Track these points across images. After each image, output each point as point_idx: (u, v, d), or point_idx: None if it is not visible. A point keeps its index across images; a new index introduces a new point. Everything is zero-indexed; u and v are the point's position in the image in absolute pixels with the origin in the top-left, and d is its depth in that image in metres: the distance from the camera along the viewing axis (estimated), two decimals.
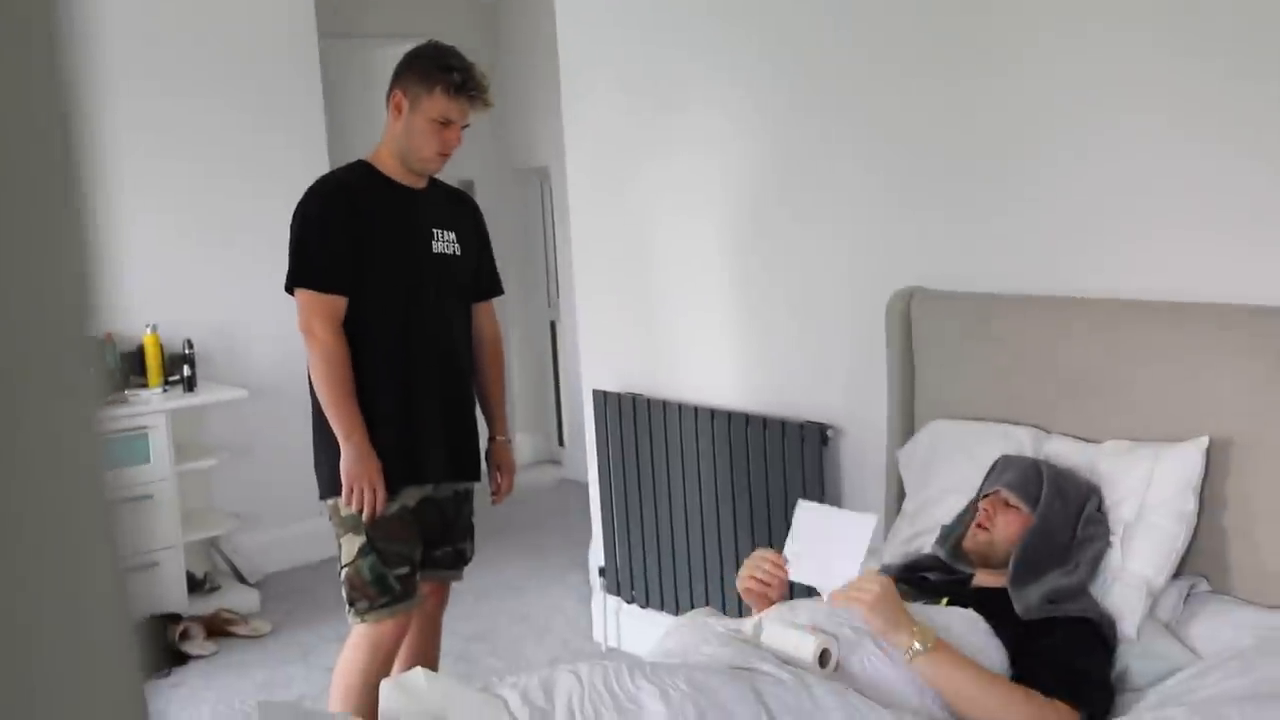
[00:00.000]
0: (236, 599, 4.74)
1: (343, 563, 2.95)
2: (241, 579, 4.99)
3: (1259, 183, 2.51)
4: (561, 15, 4.08)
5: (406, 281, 2.93)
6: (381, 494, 2.86)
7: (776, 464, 3.46)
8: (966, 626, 2.26)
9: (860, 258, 3.31)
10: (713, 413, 3.68)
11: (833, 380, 3.43)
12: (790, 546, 2.42)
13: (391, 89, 2.94)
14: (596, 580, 4.26)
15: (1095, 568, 2.40)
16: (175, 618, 4.42)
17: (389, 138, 2.96)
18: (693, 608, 3.59)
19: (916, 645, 2.11)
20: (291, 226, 2.93)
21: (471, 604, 4.62)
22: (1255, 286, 2.49)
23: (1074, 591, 2.33)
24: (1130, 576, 2.38)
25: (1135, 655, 2.31)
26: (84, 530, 0.37)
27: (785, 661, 2.15)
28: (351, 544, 2.92)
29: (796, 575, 2.40)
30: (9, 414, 0.35)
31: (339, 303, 2.87)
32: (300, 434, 5.17)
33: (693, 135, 3.68)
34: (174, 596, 4.53)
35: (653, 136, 3.79)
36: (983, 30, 2.96)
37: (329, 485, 2.93)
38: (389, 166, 2.96)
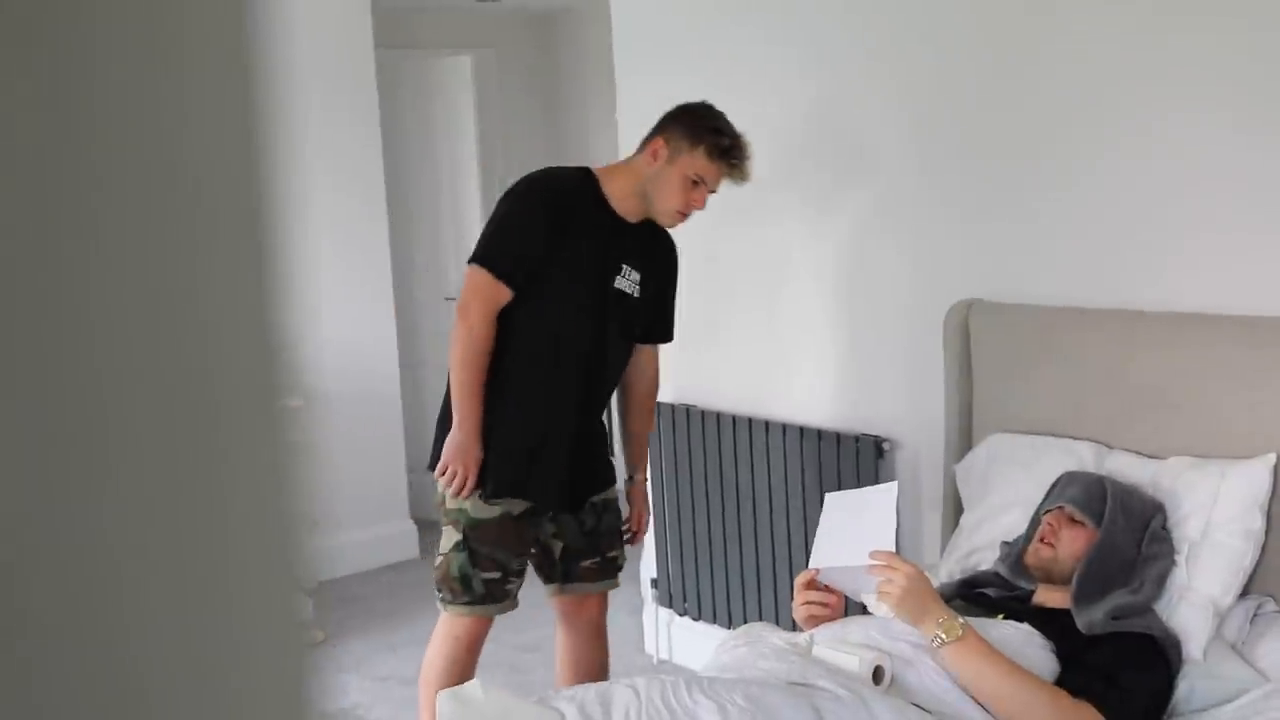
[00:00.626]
0: None
1: (439, 551, 3.01)
2: None
3: None
4: (618, 29, 4.08)
5: (576, 305, 2.93)
6: (472, 481, 2.89)
7: (831, 477, 3.43)
8: (1021, 640, 2.23)
9: (919, 268, 3.28)
10: (767, 424, 3.66)
11: (889, 392, 3.40)
12: (817, 544, 2.37)
13: (654, 134, 2.94)
14: (649, 592, 4.25)
15: (1160, 586, 2.36)
16: None
17: (634, 173, 2.94)
18: (745, 621, 3.57)
19: (942, 635, 2.09)
20: (498, 204, 2.96)
21: (523, 614, 4.61)
22: None
23: (1139, 609, 2.29)
24: (1196, 596, 2.34)
25: (1200, 676, 2.27)
26: (266, 502, 0.41)
27: (844, 676, 2.13)
28: (449, 537, 2.97)
29: (826, 569, 2.33)
30: (204, 412, 0.39)
31: (503, 294, 2.87)
32: (356, 443, 5.24)
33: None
34: None
35: None
36: (1040, 34, 2.92)
37: (437, 458, 2.97)
38: (616, 191, 2.95)
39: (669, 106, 2.99)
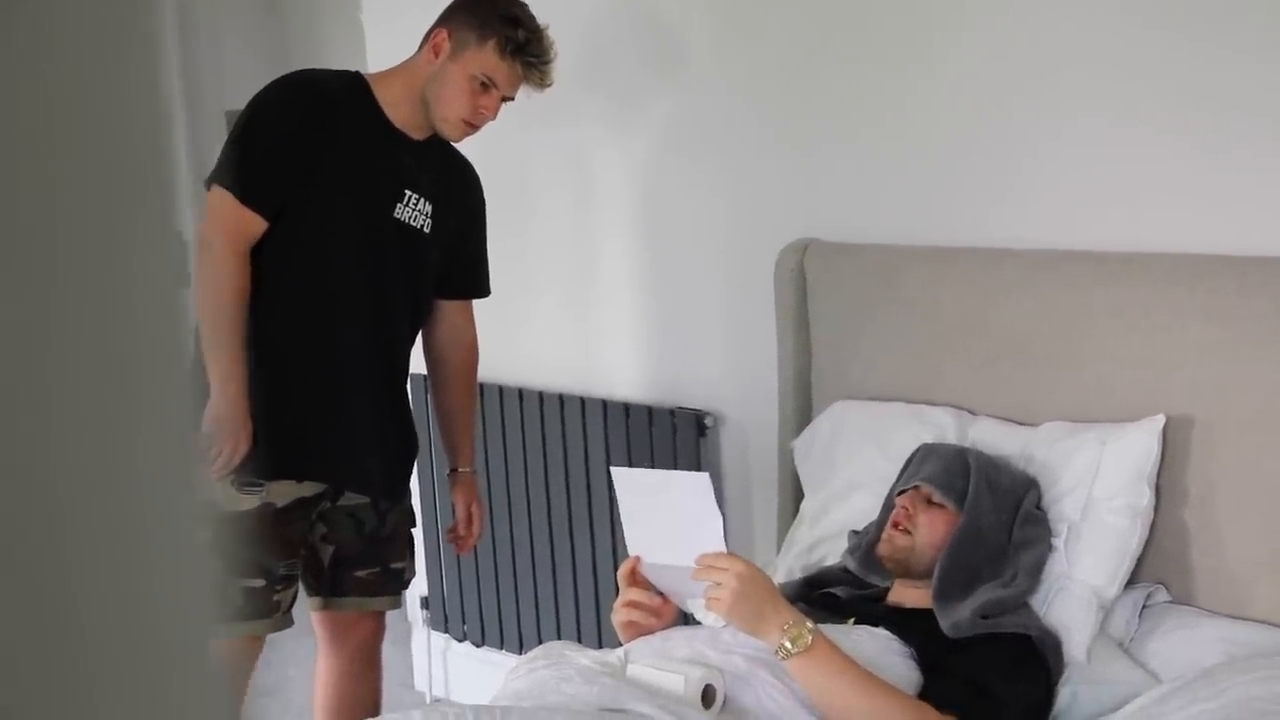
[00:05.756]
0: None
1: None
2: None
3: (1226, 104, 2.57)
4: None
5: (345, 240, 2.91)
6: (242, 452, 2.83)
7: (642, 461, 3.46)
8: (877, 648, 2.29)
9: (741, 202, 3.32)
10: (561, 398, 3.67)
11: (710, 356, 3.44)
12: (631, 533, 2.40)
13: (437, 24, 2.92)
14: (418, 614, 4.22)
15: (1036, 577, 2.45)
16: None
17: (413, 74, 2.93)
18: (541, 644, 3.58)
19: (787, 645, 2.14)
20: (239, 116, 2.90)
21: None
22: (1220, 233, 2.56)
23: (1011, 604, 2.38)
24: (1076, 586, 2.45)
25: (1084, 680, 2.37)
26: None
27: (666, 699, 2.16)
28: None
29: (648, 563, 2.36)
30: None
31: (253, 224, 2.82)
32: None
33: None
34: None
35: None
36: None
37: None
38: (390, 98, 2.94)
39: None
